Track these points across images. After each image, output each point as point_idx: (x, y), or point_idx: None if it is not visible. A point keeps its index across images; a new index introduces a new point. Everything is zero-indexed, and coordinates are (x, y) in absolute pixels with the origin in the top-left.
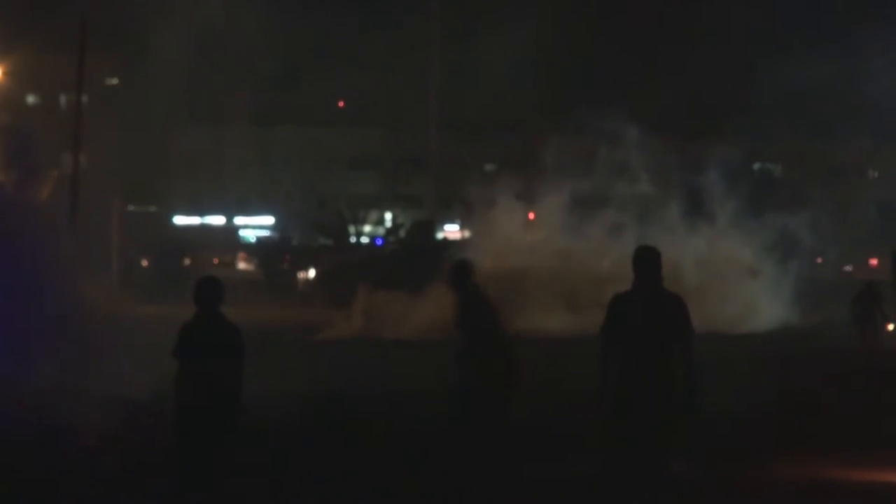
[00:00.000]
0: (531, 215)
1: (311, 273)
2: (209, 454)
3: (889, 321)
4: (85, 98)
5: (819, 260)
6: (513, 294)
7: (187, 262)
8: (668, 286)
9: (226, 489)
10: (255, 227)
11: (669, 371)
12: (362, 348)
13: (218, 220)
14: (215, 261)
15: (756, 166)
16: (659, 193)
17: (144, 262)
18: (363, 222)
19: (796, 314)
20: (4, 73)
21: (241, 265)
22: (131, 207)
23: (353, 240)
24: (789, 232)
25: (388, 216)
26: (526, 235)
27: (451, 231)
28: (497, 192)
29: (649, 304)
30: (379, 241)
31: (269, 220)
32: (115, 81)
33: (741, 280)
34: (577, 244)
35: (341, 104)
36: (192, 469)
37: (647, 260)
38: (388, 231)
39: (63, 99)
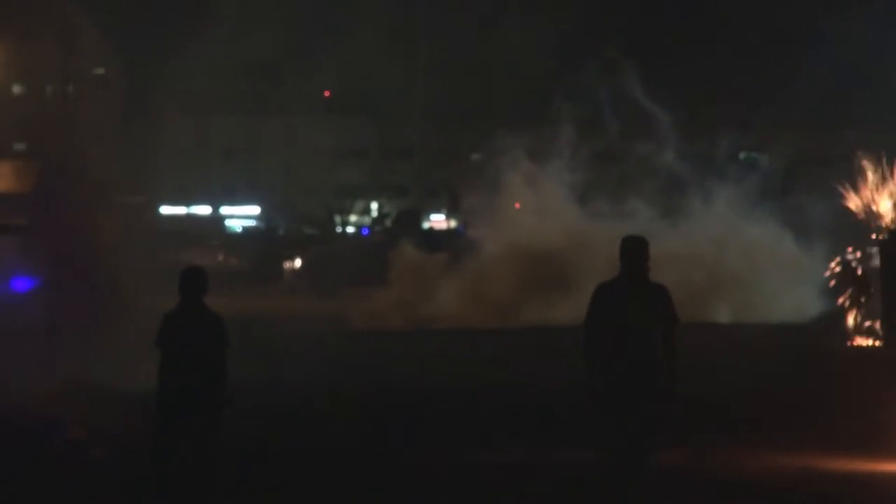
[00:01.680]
0: (517, 204)
1: (297, 263)
2: (191, 444)
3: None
4: (71, 88)
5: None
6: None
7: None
8: (709, 272)
9: (214, 483)
10: (240, 216)
11: (656, 361)
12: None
13: (204, 209)
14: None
15: (742, 155)
16: (682, 179)
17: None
18: (349, 212)
19: (823, 304)
20: None
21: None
22: (118, 198)
23: (339, 229)
24: (808, 221)
25: (374, 206)
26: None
27: (437, 220)
28: (520, 171)
29: (635, 294)
30: (365, 231)
31: (255, 209)
32: (101, 71)
33: (777, 269)
34: (606, 226)
35: (327, 94)
36: (171, 459)
37: (634, 249)
38: (374, 220)
39: (49, 89)
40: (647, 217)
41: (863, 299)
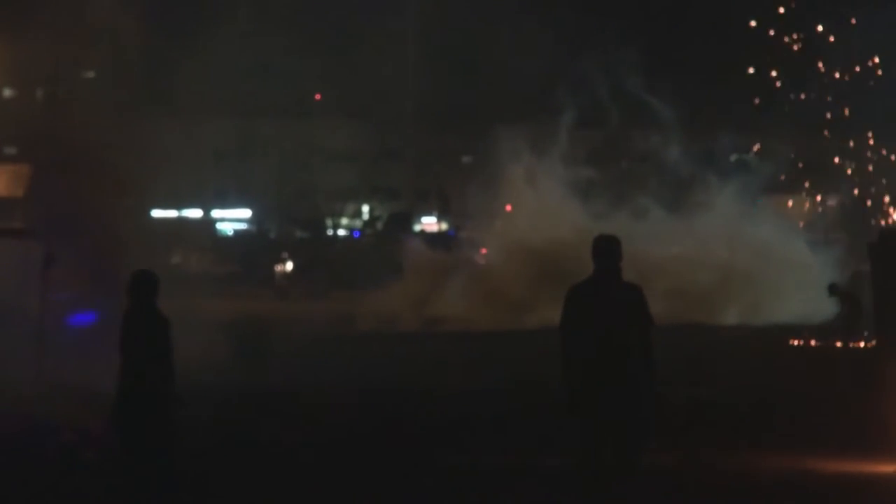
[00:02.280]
0: (508, 207)
1: (289, 266)
2: (150, 446)
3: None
4: (62, 91)
5: None
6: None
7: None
8: (717, 273)
9: (178, 482)
10: (232, 220)
11: (632, 363)
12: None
13: (195, 213)
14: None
15: (733, 158)
16: (684, 178)
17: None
18: (340, 215)
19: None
20: None
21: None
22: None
23: (330, 232)
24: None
25: (366, 208)
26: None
27: (429, 223)
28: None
29: (609, 295)
30: (356, 234)
31: (247, 212)
32: (91, 75)
33: (787, 269)
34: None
35: (318, 97)
36: (135, 461)
37: (607, 249)
38: (366, 223)
39: (40, 92)
40: (654, 216)
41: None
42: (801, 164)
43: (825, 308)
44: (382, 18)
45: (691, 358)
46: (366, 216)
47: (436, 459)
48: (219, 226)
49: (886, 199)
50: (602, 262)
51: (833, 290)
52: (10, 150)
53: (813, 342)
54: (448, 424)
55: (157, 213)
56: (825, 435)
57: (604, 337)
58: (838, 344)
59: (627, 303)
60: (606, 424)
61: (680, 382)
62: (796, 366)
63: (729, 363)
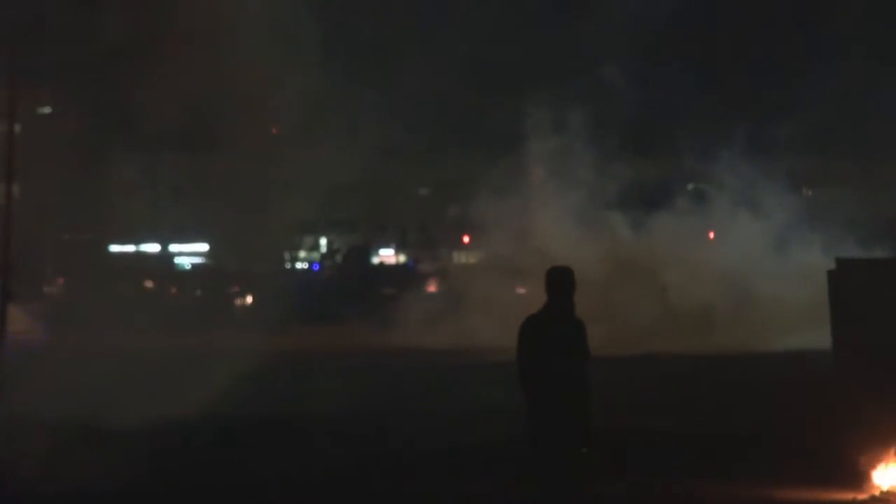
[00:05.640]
0: (466, 238)
1: (248, 299)
2: None
3: None
4: (17, 128)
5: None
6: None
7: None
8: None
9: None
10: (189, 253)
11: (579, 396)
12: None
13: (153, 247)
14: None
15: (690, 187)
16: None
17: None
18: (298, 247)
19: None
20: None
21: (173, 290)
22: (66, 236)
23: (288, 265)
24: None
25: (324, 241)
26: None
27: (387, 255)
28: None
29: (563, 329)
30: (315, 266)
31: (204, 246)
32: (47, 111)
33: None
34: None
35: (274, 131)
36: None
37: (562, 281)
38: (324, 256)
39: None
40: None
41: None
42: None
43: None
44: (340, 50)
45: (668, 387)
46: (324, 248)
47: (407, 486)
48: (177, 259)
49: None
50: (559, 294)
51: None
52: None
53: None
54: (424, 453)
55: (115, 248)
56: (789, 463)
57: (559, 374)
58: None
59: (576, 337)
60: (561, 457)
61: (651, 411)
62: (770, 393)
63: (708, 392)
